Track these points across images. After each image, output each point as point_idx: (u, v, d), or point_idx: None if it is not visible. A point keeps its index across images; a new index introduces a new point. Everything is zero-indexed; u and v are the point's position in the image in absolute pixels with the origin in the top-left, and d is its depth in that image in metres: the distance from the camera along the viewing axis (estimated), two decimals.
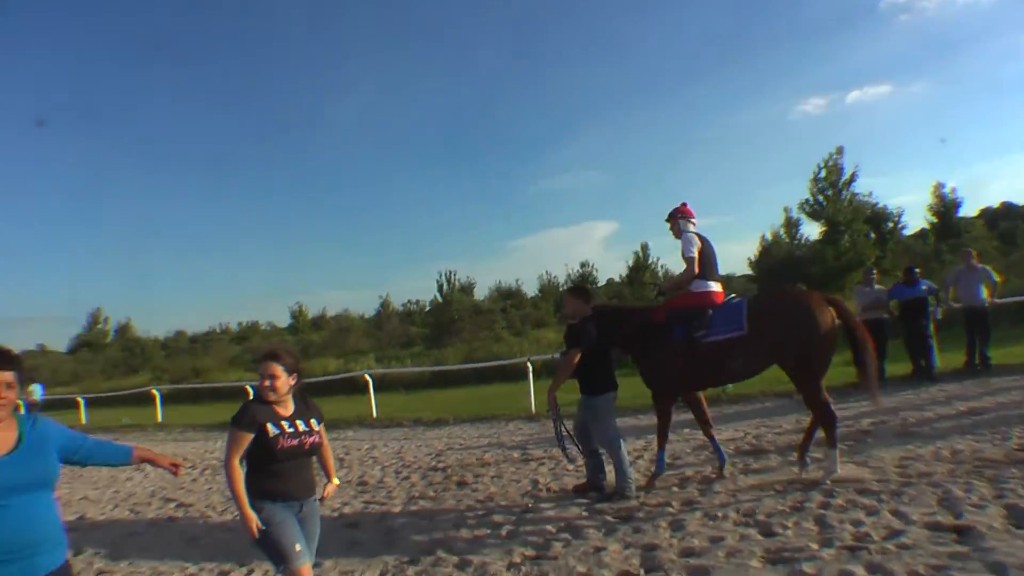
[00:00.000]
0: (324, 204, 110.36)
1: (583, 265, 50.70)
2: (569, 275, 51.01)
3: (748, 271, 43.79)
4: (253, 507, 3.51)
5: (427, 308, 50.84)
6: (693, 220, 6.67)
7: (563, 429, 6.59)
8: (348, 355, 34.92)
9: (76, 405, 23.82)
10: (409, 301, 55.06)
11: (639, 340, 6.73)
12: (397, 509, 6.81)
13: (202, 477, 10.13)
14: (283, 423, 3.67)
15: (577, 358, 6.32)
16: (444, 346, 33.64)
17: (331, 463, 4.08)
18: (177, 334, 63.05)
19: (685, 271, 6.55)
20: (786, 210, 39.99)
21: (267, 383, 3.63)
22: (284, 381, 3.67)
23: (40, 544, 2.77)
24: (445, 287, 48.49)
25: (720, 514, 5.28)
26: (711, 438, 6.75)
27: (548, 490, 6.87)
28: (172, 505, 8.30)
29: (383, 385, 21.14)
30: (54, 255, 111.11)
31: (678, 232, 6.65)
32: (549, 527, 5.55)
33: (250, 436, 3.56)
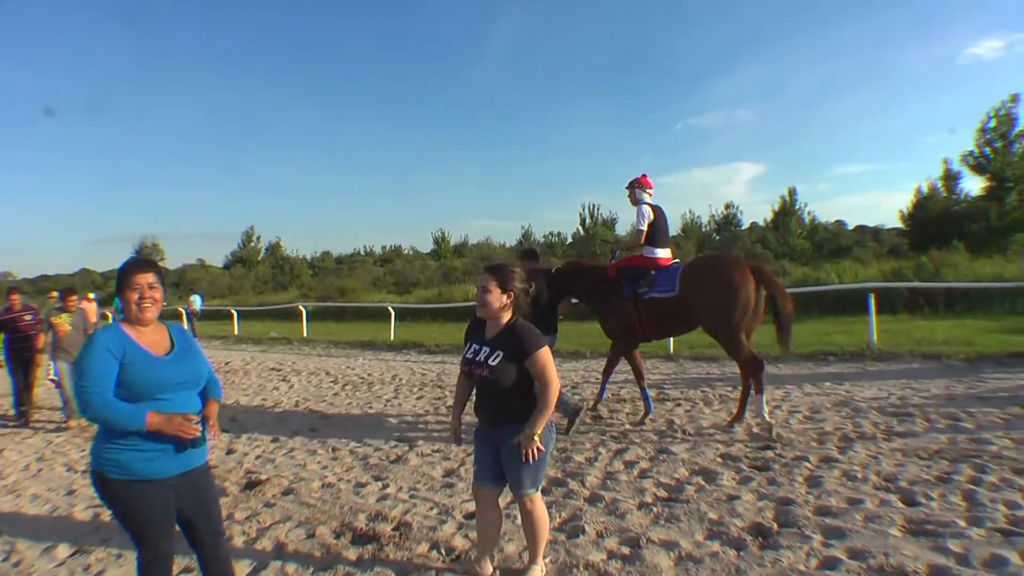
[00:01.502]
0: (470, 133, 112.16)
1: (727, 207, 50.16)
2: (712, 216, 50.14)
3: (899, 224, 41.87)
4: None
5: (568, 241, 50.75)
6: (649, 191, 7.63)
7: None
8: None
9: (230, 317, 25.50)
10: (551, 233, 55.08)
11: (596, 293, 7.70)
12: None
13: (343, 392, 10.59)
14: (474, 345, 3.65)
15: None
16: None
17: (537, 413, 3.44)
18: (323, 254, 65.87)
19: (634, 238, 7.64)
20: (945, 162, 38.16)
21: (479, 295, 3.59)
22: (496, 297, 3.53)
23: (195, 440, 3.03)
24: (588, 220, 48.24)
25: (860, 475, 5.10)
26: (642, 390, 7.56)
27: (683, 432, 6.80)
28: (315, 416, 8.74)
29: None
30: (212, 176, 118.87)
31: (635, 200, 7.62)
32: (683, 470, 5.52)
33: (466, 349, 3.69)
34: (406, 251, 62.99)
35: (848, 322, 15.55)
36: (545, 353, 3.49)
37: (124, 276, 3.04)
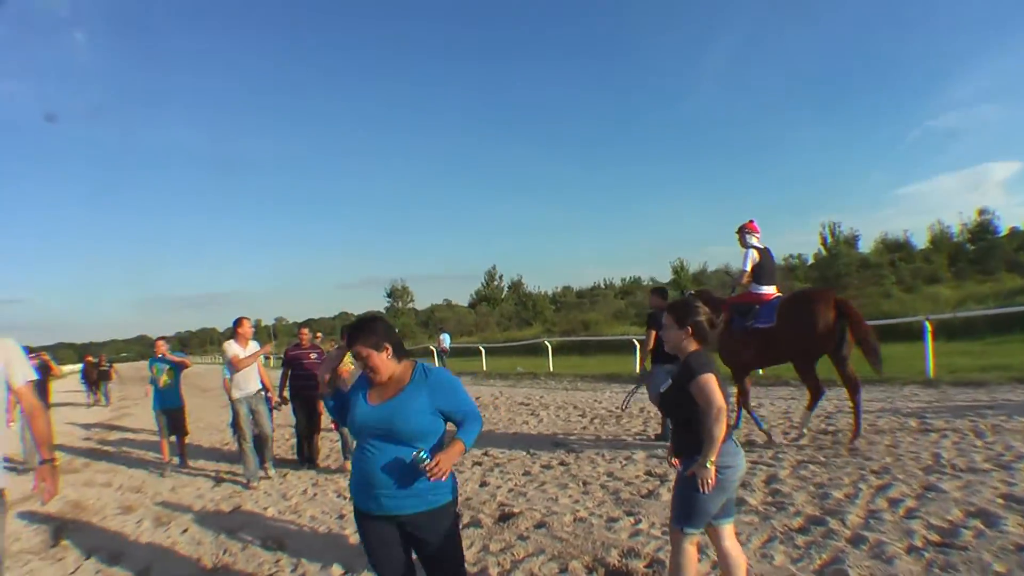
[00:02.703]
0: (699, 160, 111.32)
1: (980, 212, 45.27)
2: (964, 224, 45.28)
3: None
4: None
5: (808, 262, 48.27)
6: (757, 235, 8.49)
7: (636, 389, 9.01)
8: None
9: (478, 353, 26.61)
10: (790, 255, 52.84)
11: None
12: (785, 472, 6.64)
13: (592, 425, 10.66)
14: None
15: (652, 336, 8.42)
16: None
17: (704, 440, 3.41)
18: (564, 289, 67.40)
19: (739, 278, 8.55)
20: None
21: (663, 333, 3.79)
22: (674, 333, 3.67)
23: (382, 488, 3.06)
24: (828, 240, 45.82)
25: None
26: (739, 409, 8.60)
27: (952, 467, 6.18)
28: (562, 450, 8.84)
29: None
30: (455, 221, 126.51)
31: (743, 244, 8.49)
32: (956, 511, 4.99)
33: None
34: (645, 282, 62.93)
35: None
36: (705, 378, 3.42)
37: None
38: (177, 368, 10.28)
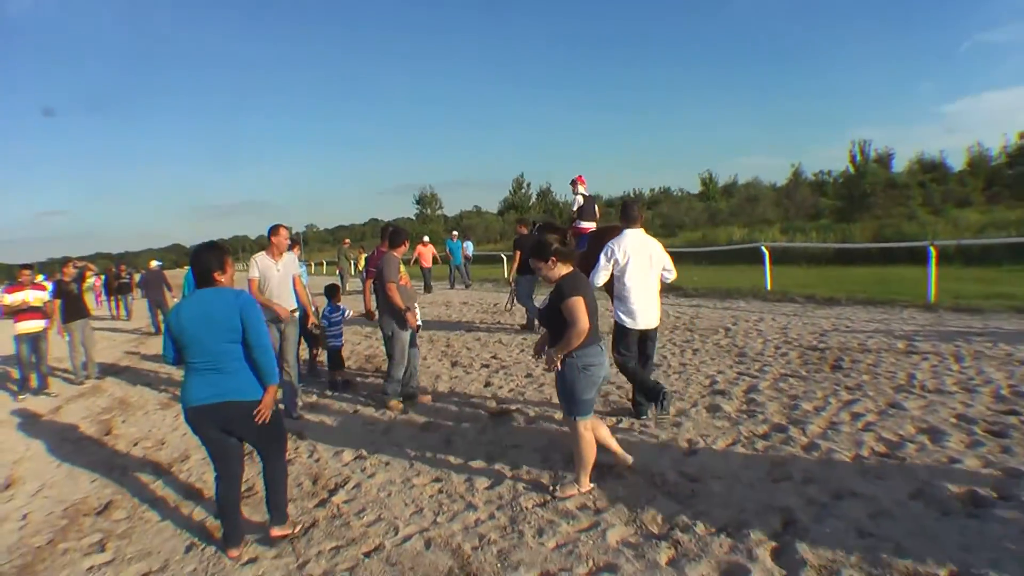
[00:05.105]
0: (734, 67, 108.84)
1: (1022, 136, 40.84)
2: (1004, 147, 42.31)
3: None
4: None
5: (839, 180, 47.31)
6: (583, 186, 11.13)
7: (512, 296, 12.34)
8: (754, 224, 34.77)
9: (500, 261, 27.74)
10: (820, 171, 51.83)
11: None
12: (765, 383, 7.09)
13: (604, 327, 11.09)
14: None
15: (517, 255, 11.69)
16: (853, 221, 31.76)
17: (563, 340, 4.38)
18: (594, 198, 66.95)
19: (570, 216, 11.34)
20: None
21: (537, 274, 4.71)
22: (545, 267, 4.52)
23: None
24: (858, 158, 44.87)
25: None
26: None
27: (922, 388, 6.54)
28: None
29: (785, 257, 21.05)
30: (486, 124, 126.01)
31: (575, 192, 11.12)
32: (909, 427, 5.41)
33: None
34: (674, 192, 62.41)
35: None
36: (574, 300, 4.25)
37: None
38: None
